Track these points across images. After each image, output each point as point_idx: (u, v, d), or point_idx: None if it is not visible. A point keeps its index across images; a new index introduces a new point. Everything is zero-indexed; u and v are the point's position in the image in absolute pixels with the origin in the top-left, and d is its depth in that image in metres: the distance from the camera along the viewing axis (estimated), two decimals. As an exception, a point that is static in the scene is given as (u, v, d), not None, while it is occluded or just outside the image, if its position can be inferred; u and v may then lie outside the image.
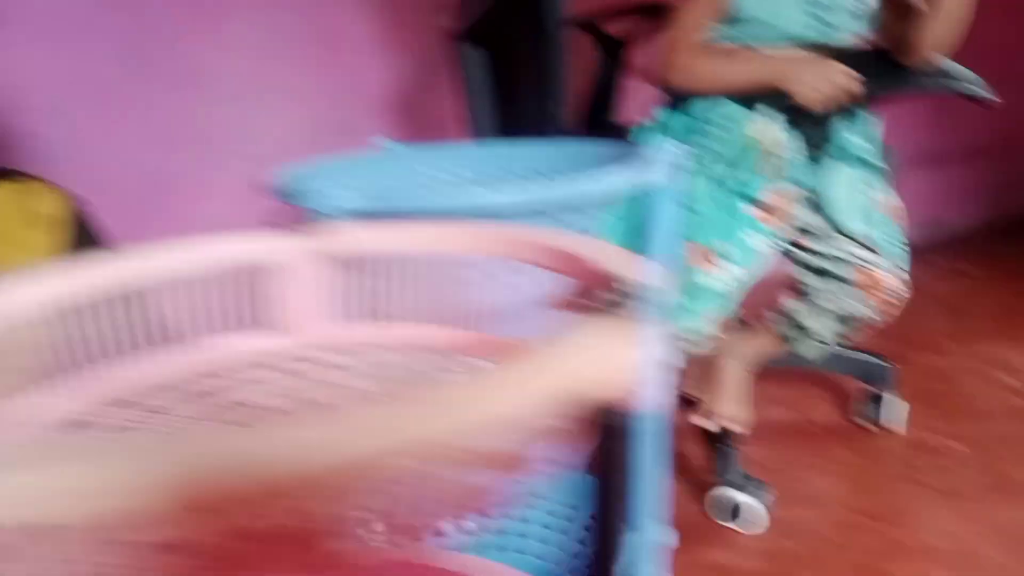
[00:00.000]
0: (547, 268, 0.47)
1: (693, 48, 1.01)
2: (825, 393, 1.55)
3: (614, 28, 1.65)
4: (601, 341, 0.30)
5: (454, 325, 0.54)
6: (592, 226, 0.69)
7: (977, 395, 1.55)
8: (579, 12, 1.66)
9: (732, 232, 1.00)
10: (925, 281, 2.20)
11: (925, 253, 2.45)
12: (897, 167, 1.22)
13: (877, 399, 1.41)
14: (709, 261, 0.99)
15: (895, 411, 1.40)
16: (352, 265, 0.57)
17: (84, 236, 0.92)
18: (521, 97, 1.22)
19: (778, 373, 1.37)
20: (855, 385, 1.47)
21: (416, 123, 1.85)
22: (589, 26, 1.66)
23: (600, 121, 1.60)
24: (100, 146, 1.55)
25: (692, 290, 1.00)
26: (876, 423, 1.40)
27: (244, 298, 0.55)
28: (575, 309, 0.41)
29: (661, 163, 0.72)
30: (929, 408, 1.46)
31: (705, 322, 1.01)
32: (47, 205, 0.89)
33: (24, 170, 0.92)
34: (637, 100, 1.47)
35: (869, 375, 1.42)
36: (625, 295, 0.36)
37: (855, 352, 1.41)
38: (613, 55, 1.61)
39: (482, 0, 1.21)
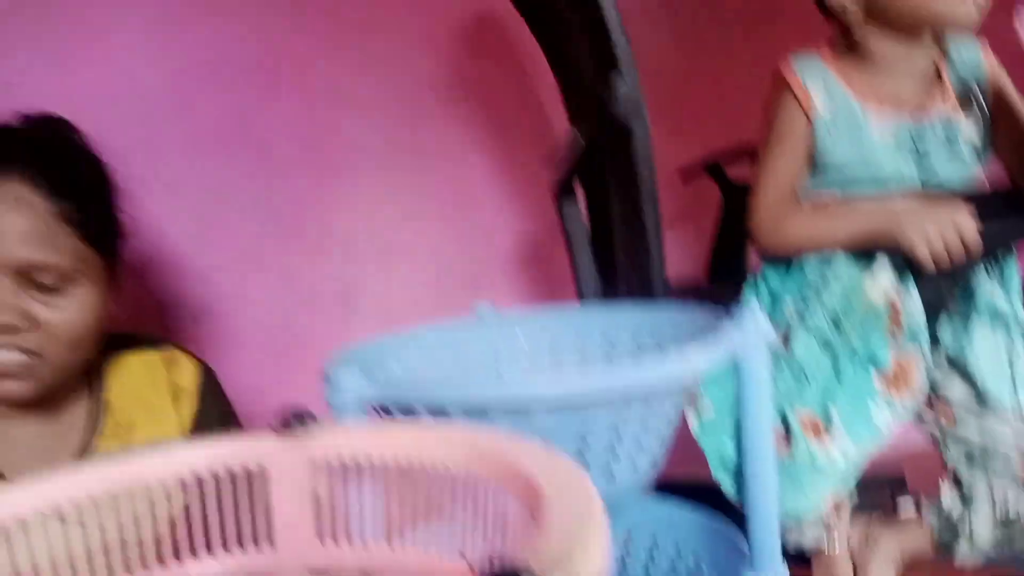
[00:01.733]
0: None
1: (782, 203, 0.92)
2: None
3: (736, 172, 1.58)
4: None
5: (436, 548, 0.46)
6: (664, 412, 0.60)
7: None
8: (701, 156, 1.62)
9: (851, 402, 0.85)
10: None
11: None
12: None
13: None
14: (824, 432, 0.84)
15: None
16: (335, 473, 0.51)
17: (215, 407, 0.93)
18: (616, 251, 1.15)
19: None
20: None
21: (542, 278, 1.83)
22: (712, 169, 1.60)
23: (725, 273, 1.50)
24: (239, 307, 1.62)
25: (805, 466, 0.85)
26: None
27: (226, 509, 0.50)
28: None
29: (749, 334, 0.62)
30: None
31: (822, 504, 0.86)
32: (186, 377, 0.91)
33: (165, 337, 0.96)
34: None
35: None
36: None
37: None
38: (735, 200, 1.53)
39: (577, 151, 1.18)
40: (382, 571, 0.49)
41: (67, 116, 0.87)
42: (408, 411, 0.57)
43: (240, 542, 0.51)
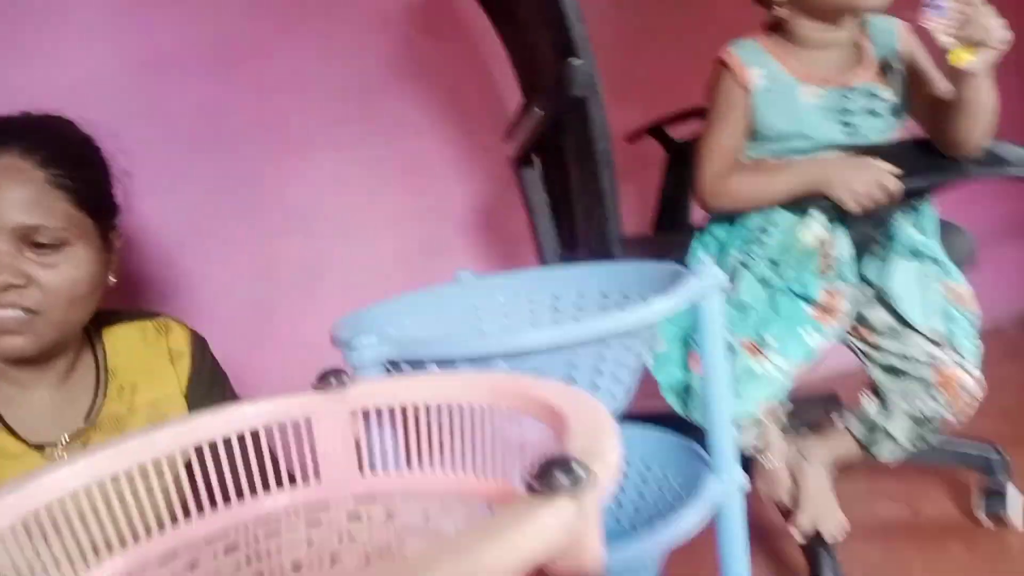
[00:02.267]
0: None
1: (725, 170, 1.04)
2: (942, 486, 1.45)
3: (679, 132, 1.71)
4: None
5: (477, 474, 0.56)
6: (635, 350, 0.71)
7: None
8: (646, 120, 1.75)
9: (785, 327, 0.99)
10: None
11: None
12: (971, 252, 1.18)
13: (995, 493, 1.31)
14: (760, 352, 0.98)
15: (1016, 505, 1.30)
16: (375, 417, 0.61)
17: (208, 367, 1.02)
18: (575, 214, 1.26)
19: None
20: (975, 477, 1.36)
21: (498, 240, 1.93)
22: (655, 132, 1.73)
23: (670, 224, 1.63)
24: (204, 284, 1.69)
25: (742, 378, 0.99)
26: (997, 519, 1.29)
27: (275, 456, 0.60)
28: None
29: (707, 285, 0.74)
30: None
31: (757, 409, 1.00)
32: (180, 341, 0.99)
33: (152, 310, 1.04)
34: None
35: (983, 466, 1.32)
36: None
37: (964, 442, 1.33)
38: (678, 159, 1.66)
39: (534, 124, 1.28)
40: (421, 492, 0.59)
41: (23, 104, 0.92)
42: (418, 365, 0.67)
43: (293, 480, 0.61)
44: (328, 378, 0.61)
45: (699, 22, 1.93)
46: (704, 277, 0.74)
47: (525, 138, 1.33)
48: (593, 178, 1.15)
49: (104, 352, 0.95)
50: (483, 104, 1.91)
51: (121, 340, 0.96)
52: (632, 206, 1.88)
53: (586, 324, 0.65)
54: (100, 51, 1.60)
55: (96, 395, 0.93)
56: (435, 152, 1.88)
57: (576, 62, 1.08)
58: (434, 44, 1.86)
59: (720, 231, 1.09)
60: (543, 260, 1.43)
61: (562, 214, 1.37)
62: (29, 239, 0.81)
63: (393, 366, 0.69)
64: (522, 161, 1.41)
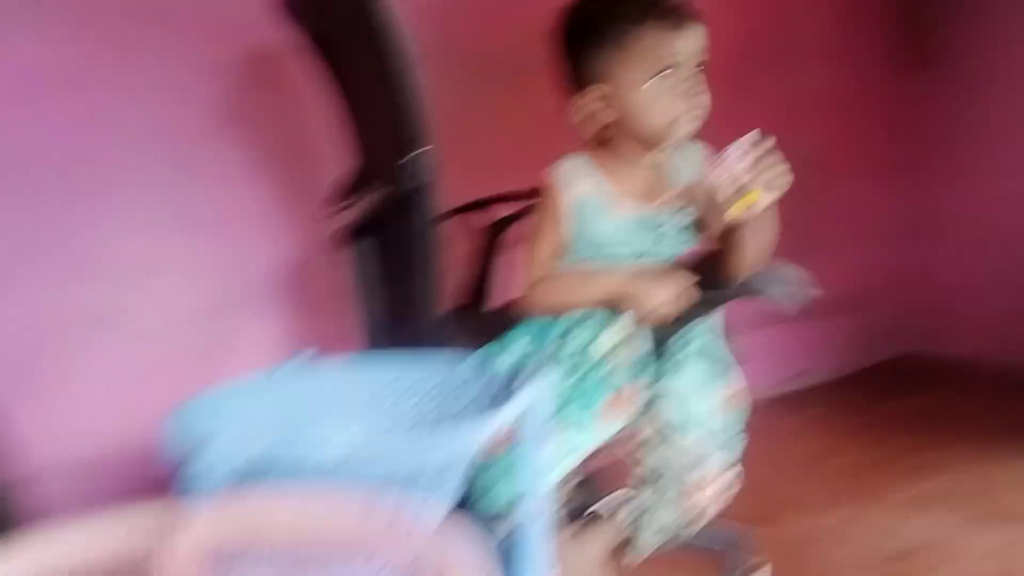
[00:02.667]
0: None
1: (542, 277, 1.18)
2: (691, 567, 1.52)
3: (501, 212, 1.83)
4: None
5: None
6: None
7: (846, 559, 1.65)
8: (467, 201, 1.86)
9: (576, 417, 1.12)
10: (790, 434, 2.39)
11: (792, 405, 2.67)
12: (744, 351, 1.38)
13: (746, 571, 1.44)
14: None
15: (761, 580, 1.45)
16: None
17: None
18: (401, 290, 1.35)
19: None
20: (724, 557, 1.47)
21: (304, 300, 1.95)
22: (477, 208, 1.85)
23: (481, 294, 1.74)
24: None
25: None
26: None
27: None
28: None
29: (536, 402, 0.85)
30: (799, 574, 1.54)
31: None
32: None
33: None
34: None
35: (728, 545, 1.45)
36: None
37: (710, 527, 1.39)
38: (495, 235, 1.78)
39: (370, 200, 1.35)
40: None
41: None
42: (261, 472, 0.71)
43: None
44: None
45: (524, 99, 2.08)
46: (535, 388, 0.85)
47: (361, 211, 1.40)
48: (425, 262, 1.24)
49: None
50: (306, 165, 1.94)
51: None
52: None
53: (434, 440, 0.74)
54: None
55: None
56: (248, 206, 1.88)
57: (420, 151, 1.17)
58: (266, 97, 1.87)
59: (531, 329, 1.21)
60: (366, 335, 1.49)
61: (388, 289, 1.45)
62: None
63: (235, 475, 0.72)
64: (357, 232, 1.48)
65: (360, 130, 1.45)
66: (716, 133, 2.41)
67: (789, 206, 2.94)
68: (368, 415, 0.98)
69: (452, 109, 2.07)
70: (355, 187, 1.43)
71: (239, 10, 1.77)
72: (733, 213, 1.09)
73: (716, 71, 2.55)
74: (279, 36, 1.52)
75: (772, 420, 2.53)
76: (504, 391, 0.88)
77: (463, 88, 2.13)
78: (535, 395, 0.85)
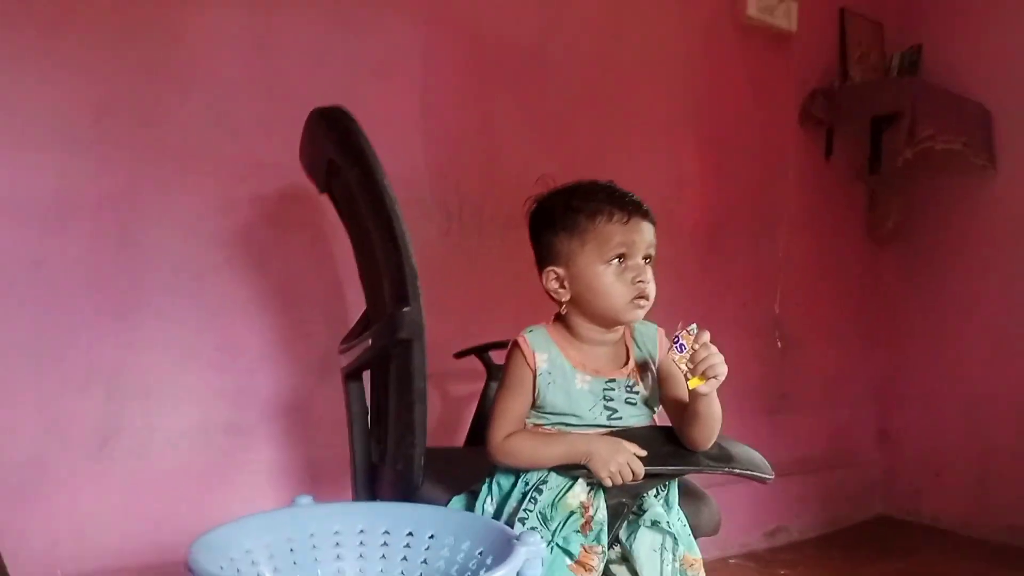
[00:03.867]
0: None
1: (510, 433, 1.25)
2: None
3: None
4: None
5: None
6: None
7: None
8: (473, 342, 1.97)
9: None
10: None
11: (767, 563, 2.68)
12: (716, 518, 1.44)
13: None
14: None
15: None
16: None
17: None
18: (388, 434, 1.41)
19: None
20: None
21: (302, 434, 2.02)
22: (478, 352, 1.95)
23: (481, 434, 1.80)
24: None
25: None
26: None
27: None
28: None
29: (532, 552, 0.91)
30: None
31: None
32: None
33: None
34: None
35: None
36: None
37: None
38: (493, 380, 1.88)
39: (365, 347, 1.44)
40: None
41: None
42: None
43: None
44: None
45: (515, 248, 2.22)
46: (530, 545, 0.91)
47: (357, 355, 1.48)
48: (408, 410, 1.32)
49: None
50: (315, 299, 2.05)
51: None
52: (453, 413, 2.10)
53: None
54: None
55: None
56: (255, 337, 1.97)
57: (406, 310, 1.27)
58: (274, 236, 2.00)
59: (505, 481, 1.28)
60: (353, 469, 1.55)
61: (378, 430, 1.52)
62: None
63: None
64: (352, 375, 1.56)
65: (365, 278, 1.55)
66: (693, 293, 2.56)
67: (763, 367, 3.08)
68: (361, 560, 1.03)
69: (456, 257, 2.25)
70: (359, 331, 1.52)
71: (264, 154, 1.93)
72: (694, 384, 1.18)
73: (697, 234, 2.75)
74: (301, 179, 1.64)
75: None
76: (495, 547, 0.93)
77: (464, 237, 2.28)
78: (529, 554, 0.91)
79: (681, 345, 1.20)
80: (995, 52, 2.95)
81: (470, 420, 1.97)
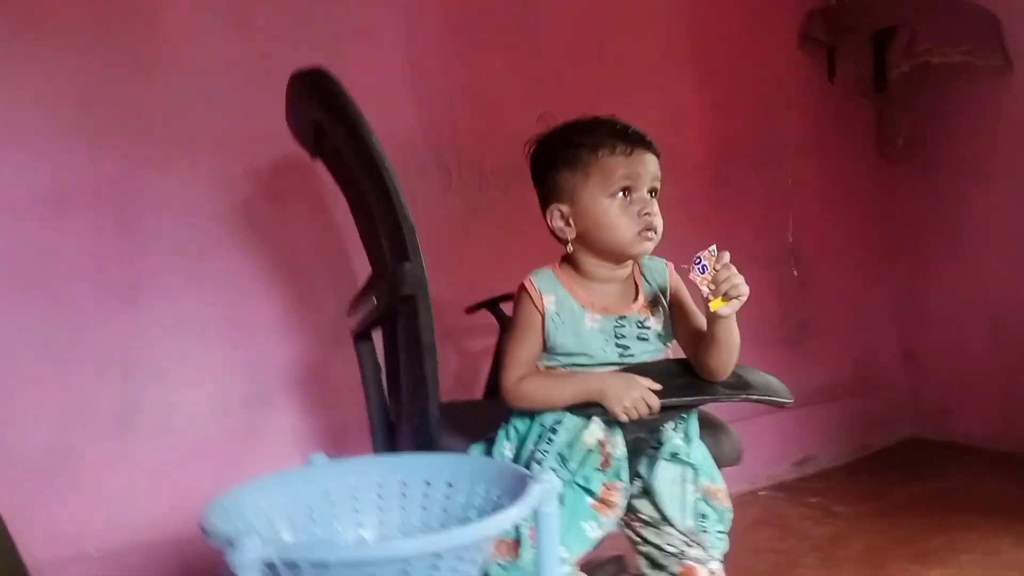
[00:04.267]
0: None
1: (522, 376, 1.24)
2: None
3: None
4: None
5: None
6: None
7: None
8: (484, 296, 1.97)
9: (569, 520, 1.17)
10: (797, 522, 2.40)
11: (797, 492, 2.68)
12: (737, 449, 1.43)
13: None
14: None
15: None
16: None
17: None
18: (402, 390, 1.41)
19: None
20: None
21: (321, 400, 2.03)
22: (490, 306, 1.95)
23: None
24: (6, 428, 1.67)
25: (525, 569, 1.15)
26: None
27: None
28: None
29: (547, 491, 0.91)
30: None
31: None
32: None
33: None
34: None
35: None
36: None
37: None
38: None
39: (372, 307, 1.44)
40: None
41: None
42: (293, 567, 0.77)
43: None
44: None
45: (520, 203, 2.19)
46: (544, 483, 0.90)
47: (364, 315, 1.48)
48: (419, 364, 1.31)
49: None
50: (320, 266, 2.05)
51: None
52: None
53: (454, 532, 0.80)
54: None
55: None
56: (266, 309, 1.98)
57: (407, 265, 1.26)
58: (274, 208, 1.99)
59: (521, 425, 1.27)
60: (372, 427, 1.56)
61: (392, 387, 1.52)
62: None
63: (269, 567, 0.78)
64: (361, 335, 1.56)
65: (366, 239, 1.54)
66: (704, 226, 2.53)
67: (782, 297, 3.04)
68: (380, 513, 1.03)
69: (456, 215, 2.23)
70: (365, 292, 1.52)
71: (254, 127, 1.91)
72: (715, 306, 1.16)
73: (702, 170, 2.71)
74: (294, 149, 1.62)
75: (775, 509, 2.54)
76: (510, 488, 0.93)
77: (464, 195, 2.27)
78: (543, 492, 0.90)
79: (703, 267, 1.17)
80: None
81: (487, 374, 1.98)
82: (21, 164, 1.71)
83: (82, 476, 1.75)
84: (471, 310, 2.01)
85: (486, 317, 1.98)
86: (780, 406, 1.27)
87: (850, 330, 3.13)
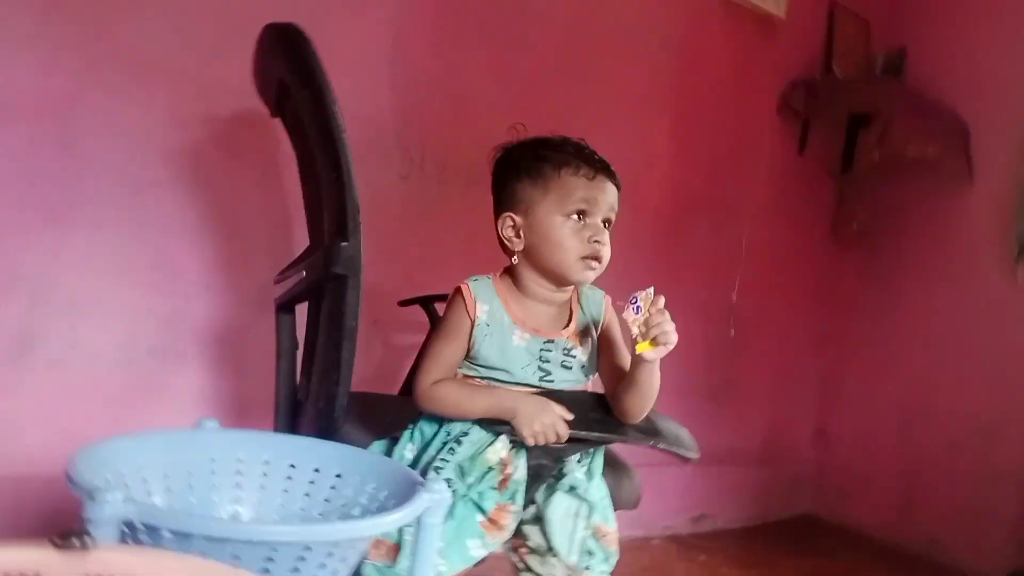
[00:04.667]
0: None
1: (438, 380, 1.22)
2: None
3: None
4: None
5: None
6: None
7: None
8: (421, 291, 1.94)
9: (455, 535, 1.14)
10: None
11: (688, 547, 2.69)
12: (637, 491, 1.42)
13: None
14: None
15: None
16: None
17: None
18: (313, 370, 1.37)
19: None
20: None
21: (231, 362, 1.96)
22: (424, 302, 1.92)
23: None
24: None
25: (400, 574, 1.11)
26: None
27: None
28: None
29: (436, 500, 0.88)
30: None
31: None
32: None
33: None
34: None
35: None
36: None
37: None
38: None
39: (301, 279, 1.39)
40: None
41: None
42: (153, 531, 0.73)
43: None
44: (71, 538, 0.61)
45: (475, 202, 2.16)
46: (435, 493, 0.87)
47: (291, 287, 1.43)
48: (336, 347, 1.26)
49: None
50: (257, 228, 1.98)
51: None
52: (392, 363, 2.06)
53: (329, 527, 0.76)
54: None
55: None
56: (194, 261, 1.91)
57: (344, 244, 1.22)
58: (223, 160, 1.93)
59: (428, 429, 1.24)
60: (277, 403, 1.50)
61: (307, 366, 1.47)
62: None
63: (128, 526, 0.73)
64: (284, 307, 1.51)
65: (310, 208, 1.50)
66: (651, 270, 2.53)
67: (711, 353, 3.06)
68: (261, 492, 0.98)
69: (413, 205, 2.19)
70: (296, 264, 1.47)
71: (221, 73, 1.84)
72: (642, 348, 1.15)
73: (660, 214, 2.71)
74: (256, 104, 1.56)
75: (664, 560, 2.55)
76: (400, 491, 0.90)
77: (425, 186, 2.23)
78: (431, 501, 0.87)
79: (638, 307, 1.16)
80: (978, 62, 2.92)
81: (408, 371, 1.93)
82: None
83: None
84: (404, 303, 1.98)
85: (418, 313, 1.95)
86: (686, 459, 1.26)
87: (770, 398, 3.17)
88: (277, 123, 1.56)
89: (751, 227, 2.96)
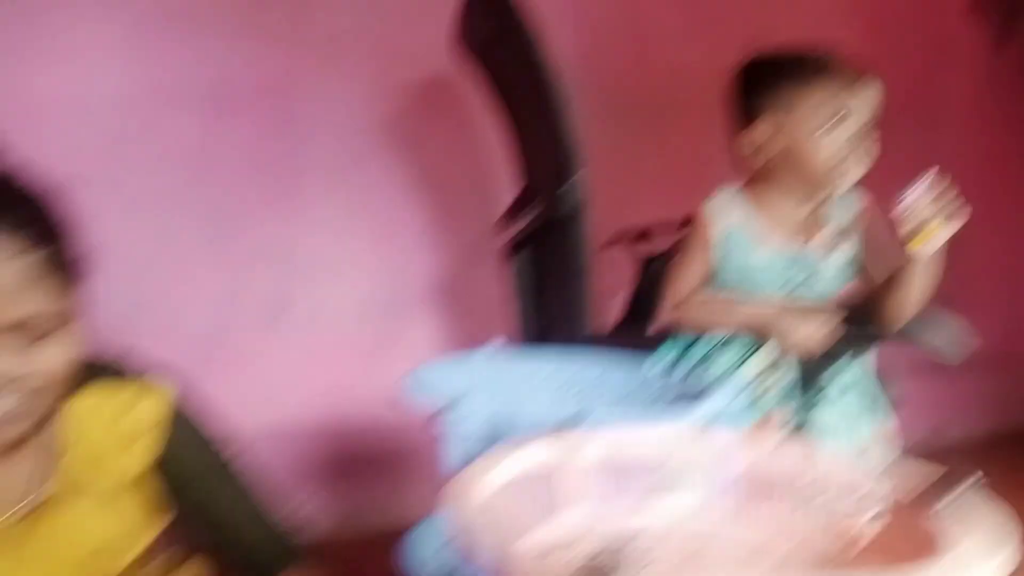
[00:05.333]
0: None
1: (688, 297, 1.23)
2: None
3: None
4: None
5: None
6: None
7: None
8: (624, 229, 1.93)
9: None
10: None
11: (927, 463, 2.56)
12: (898, 395, 1.37)
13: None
14: None
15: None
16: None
17: (185, 440, 0.87)
18: (554, 306, 1.42)
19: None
20: None
21: (460, 313, 2.07)
22: (625, 243, 1.92)
23: (631, 327, 1.79)
24: (164, 306, 1.77)
25: None
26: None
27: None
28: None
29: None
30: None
31: None
32: (150, 413, 0.83)
33: (124, 363, 0.86)
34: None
35: None
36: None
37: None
38: (648, 270, 1.84)
39: (528, 221, 1.45)
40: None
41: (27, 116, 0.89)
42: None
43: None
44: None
45: (671, 136, 2.15)
46: (726, 392, 0.94)
47: (519, 230, 1.49)
48: (575, 282, 1.32)
49: (53, 433, 0.78)
50: (466, 182, 2.06)
51: (79, 419, 0.80)
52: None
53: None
54: (107, 69, 1.69)
55: (35, 484, 0.76)
56: (410, 220, 2.01)
57: (573, 181, 1.26)
58: (423, 120, 2.01)
59: (687, 339, 1.26)
60: (521, 339, 1.57)
61: (542, 302, 1.53)
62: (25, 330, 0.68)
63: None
64: (516, 247, 1.58)
65: (524, 156, 1.55)
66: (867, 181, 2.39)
67: (941, 259, 2.85)
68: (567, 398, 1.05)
69: (604, 145, 2.19)
70: (518, 207, 1.53)
71: (415, 39, 1.91)
72: (914, 246, 1.11)
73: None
74: (450, 65, 1.63)
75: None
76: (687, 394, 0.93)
77: (613, 125, 2.22)
78: (726, 398, 0.90)
79: (912, 196, 1.12)
80: None
81: (617, 310, 1.95)
82: (186, 61, 1.77)
83: (236, 363, 1.84)
84: (607, 245, 1.97)
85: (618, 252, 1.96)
86: (945, 361, 1.21)
87: (995, 295, 2.94)
88: (469, 83, 1.60)
89: (964, 128, 2.75)
